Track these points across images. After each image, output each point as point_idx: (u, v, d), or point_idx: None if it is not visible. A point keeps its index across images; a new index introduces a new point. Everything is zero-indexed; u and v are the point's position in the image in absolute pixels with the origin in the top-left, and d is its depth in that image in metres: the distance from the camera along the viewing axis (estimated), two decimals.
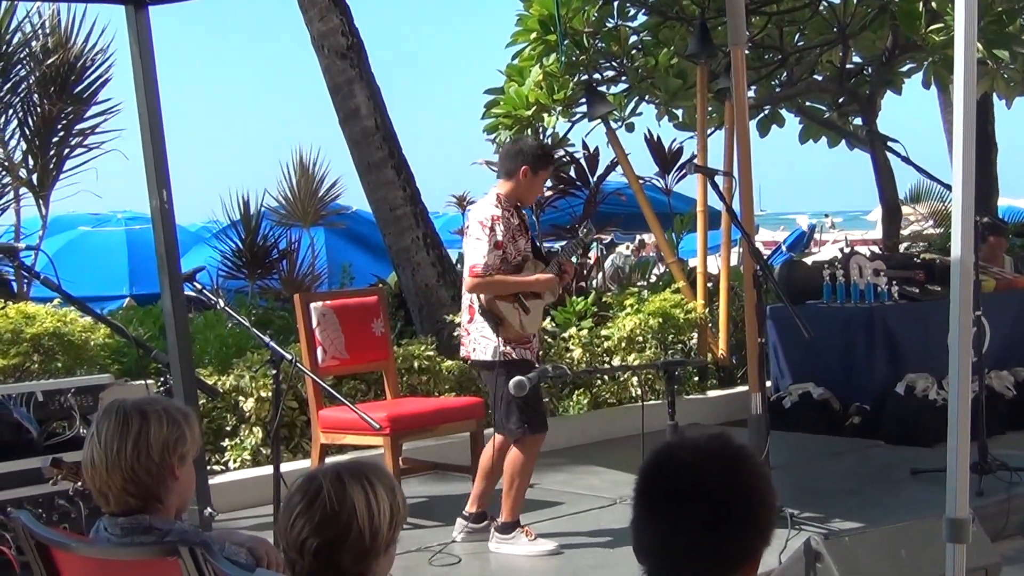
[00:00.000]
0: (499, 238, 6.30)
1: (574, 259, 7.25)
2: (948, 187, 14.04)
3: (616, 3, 11.37)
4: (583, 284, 11.54)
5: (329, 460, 6.90)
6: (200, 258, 12.60)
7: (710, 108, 11.22)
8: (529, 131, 10.98)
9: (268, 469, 5.92)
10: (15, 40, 9.70)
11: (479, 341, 6.38)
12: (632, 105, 11.68)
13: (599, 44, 11.48)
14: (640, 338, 9.74)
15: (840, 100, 12.88)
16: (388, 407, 7.20)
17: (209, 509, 5.42)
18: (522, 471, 6.37)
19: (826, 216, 36.55)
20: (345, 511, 2.81)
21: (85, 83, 9.93)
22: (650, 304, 9.97)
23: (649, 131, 12.85)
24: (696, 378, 10.34)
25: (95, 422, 3.32)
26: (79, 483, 4.17)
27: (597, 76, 11.52)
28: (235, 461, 7.89)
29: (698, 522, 2.31)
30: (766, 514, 2.37)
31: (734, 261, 11.36)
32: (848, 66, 12.45)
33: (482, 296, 6.33)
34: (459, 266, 11.06)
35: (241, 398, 7.99)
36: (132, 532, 3.25)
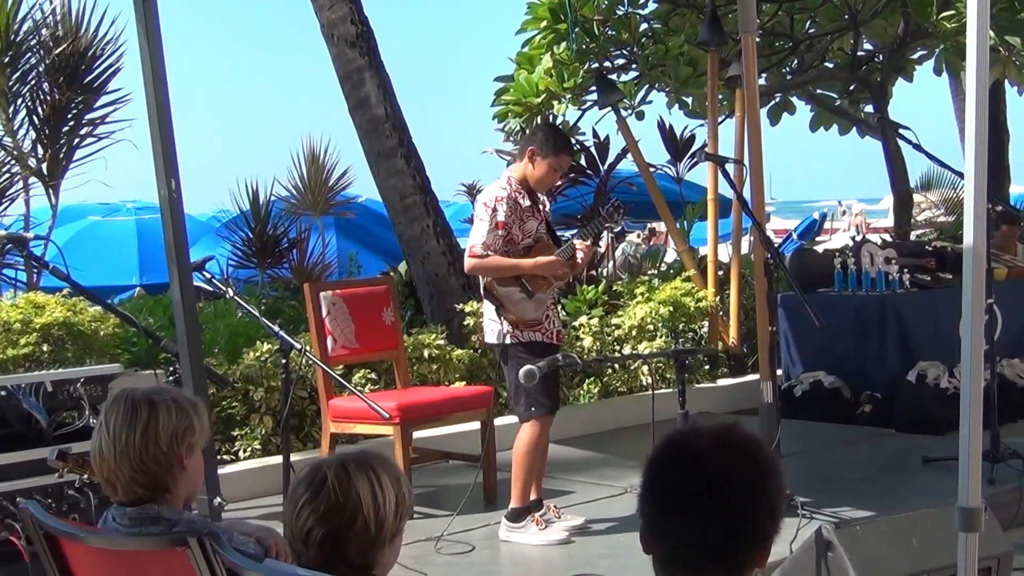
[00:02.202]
0: (500, 218, 6.20)
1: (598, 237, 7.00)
2: (960, 174, 13.97)
3: None
4: (593, 272, 11.53)
5: (336, 450, 6.90)
6: (210, 248, 12.59)
7: (721, 96, 11.20)
8: (539, 119, 10.97)
9: (278, 458, 5.93)
10: (24, 29, 9.65)
11: (487, 323, 6.38)
12: (642, 93, 11.67)
13: (610, 32, 11.46)
14: (651, 327, 9.72)
15: (851, 87, 12.86)
16: (398, 396, 7.19)
17: (218, 499, 5.42)
18: (529, 455, 6.32)
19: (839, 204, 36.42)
20: (350, 501, 2.80)
21: (95, 72, 9.87)
22: (661, 292, 9.95)
23: (661, 119, 12.85)
24: (707, 366, 10.31)
25: (104, 412, 3.32)
26: (85, 475, 4.17)
27: (607, 64, 11.50)
28: (245, 450, 7.89)
29: (711, 513, 2.31)
30: (777, 501, 2.38)
31: (745, 249, 11.31)
32: (859, 53, 12.42)
33: (483, 278, 6.30)
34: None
35: (251, 387, 7.98)
36: (141, 522, 3.24)
